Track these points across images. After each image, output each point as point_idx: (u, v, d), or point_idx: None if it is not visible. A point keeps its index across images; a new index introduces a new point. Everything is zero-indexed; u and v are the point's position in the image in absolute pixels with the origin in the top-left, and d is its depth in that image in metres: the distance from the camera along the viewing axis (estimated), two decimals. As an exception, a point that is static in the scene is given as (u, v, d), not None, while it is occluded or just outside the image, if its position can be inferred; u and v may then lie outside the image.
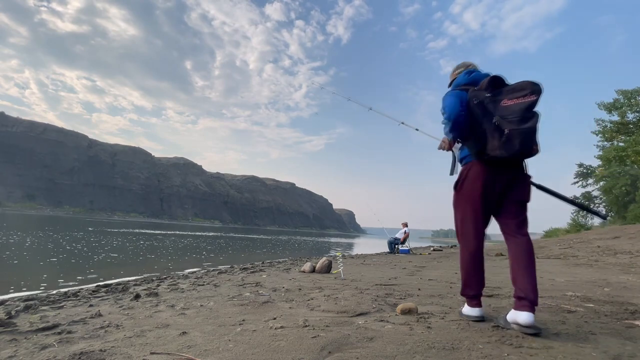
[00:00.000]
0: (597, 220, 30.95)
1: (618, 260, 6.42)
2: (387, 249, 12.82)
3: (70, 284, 4.78)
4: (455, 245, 20.04)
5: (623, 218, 24.31)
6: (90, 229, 22.59)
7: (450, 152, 2.26)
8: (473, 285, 2.05)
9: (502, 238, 2.10)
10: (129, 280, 4.76)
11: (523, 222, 1.99)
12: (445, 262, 7.74)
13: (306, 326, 1.95)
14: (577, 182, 31.19)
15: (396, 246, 12.04)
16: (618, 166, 21.61)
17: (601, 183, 28.46)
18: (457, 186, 2.14)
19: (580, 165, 30.87)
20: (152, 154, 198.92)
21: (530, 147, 1.80)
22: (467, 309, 2.10)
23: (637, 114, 17.95)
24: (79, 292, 3.51)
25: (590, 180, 30.27)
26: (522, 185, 1.99)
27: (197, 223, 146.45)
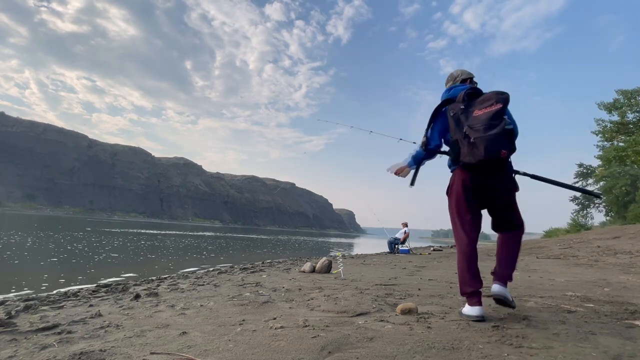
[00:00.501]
0: (597, 220, 30.98)
1: (618, 260, 6.42)
2: (387, 249, 12.82)
3: (71, 284, 4.78)
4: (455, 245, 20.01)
5: (623, 218, 24.32)
6: (89, 229, 22.59)
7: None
8: (469, 282, 2.12)
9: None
10: (129, 280, 4.77)
11: (509, 220, 2.18)
12: (445, 262, 7.74)
13: (306, 326, 1.95)
14: (577, 182, 31.21)
15: (396, 246, 12.04)
16: (618, 166, 21.61)
17: (601, 183, 28.47)
18: (448, 191, 2.33)
19: (580, 165, 30.90)
20: (152, 154, 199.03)
21: (494, 152, 1.93)
22: (467, 309, 2.12)
23: (637, 114, 17.95)
24: (79, 292, 3.51)
25: (590, 180, 30.29)
26: (505, 188, 2.15)
27: (197, 223, 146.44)
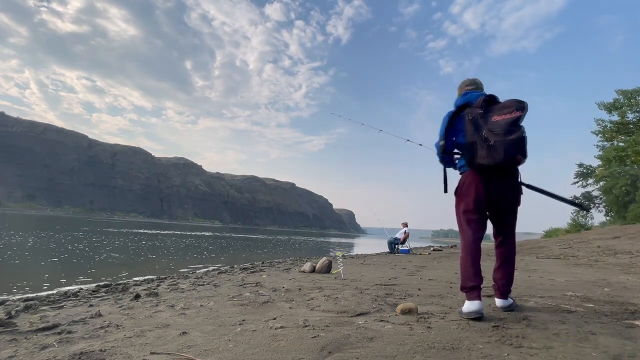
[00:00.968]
0: (597, 220, 31.00)
1: (618, 260, 6.42)
2: (387, 249, 12.82)
3: (72, 284, 4.78)
4: (455, 246, 20.05)
5: (623, 218, 24.32)
6: (86, 228, 22.59)
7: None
8: (472, 278, 2.17)
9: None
10: (129, 280, 4.77)
11: (510, 227, 2.36)
12: (445, 262, 7.74)
13: (306, 326, 1.95)
14: (577, 182, 31.21)
15: (396, 246, 12.04)
16: (618, 166, 21.60)
17: (601, 183, 28.47)
18: (456, 192, 2.42)
19: (580, 165, 30.87)
20: (152, 154, 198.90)
21: (513, 156, 2.02)
22: (466, 305, 2.15)
23: (637, 114, 17.94)
24: (79, 292, 3.51)
25: (590, 180, 30.27)
26: (515, 194, 2.27)
27: (197, 223, 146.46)
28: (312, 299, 2.85)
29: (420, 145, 3.15)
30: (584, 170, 30.58)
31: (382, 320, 2.09)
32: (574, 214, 26.85)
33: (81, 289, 3.82)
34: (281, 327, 1.95)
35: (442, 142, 2.41)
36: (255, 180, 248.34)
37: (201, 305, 2.62)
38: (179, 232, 28.15)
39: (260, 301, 2.76)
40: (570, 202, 2.50)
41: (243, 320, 2.14)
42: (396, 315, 2.25)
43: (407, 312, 2.26)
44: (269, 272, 5.42)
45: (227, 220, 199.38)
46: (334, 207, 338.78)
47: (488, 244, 5.64)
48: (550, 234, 26.09)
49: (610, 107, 18.62)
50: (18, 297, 3.37)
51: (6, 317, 2.16)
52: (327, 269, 5.25)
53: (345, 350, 1.55)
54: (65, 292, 3.44)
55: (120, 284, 4.07)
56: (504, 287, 2.31)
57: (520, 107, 2.08)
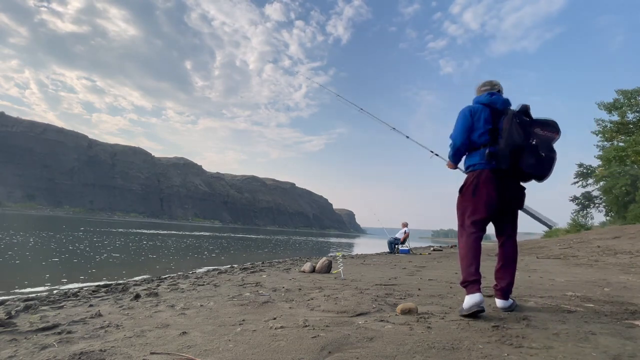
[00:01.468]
0: (597, 220, 31.00)
1: (618, 260, 6.42)
2: (387, 249, 12.82)
3: (73, 283, 4.79)
4: (455, 245, 20.04)
5: (623, 218, 24.32)
6: (89, 229, 22.59)
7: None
8: (473, 272, 2.20)
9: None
10: (129, 280, 4.77)
11: (514, 228, 2.42)
12: (445, 262, 7.74)
13: (306, 326, 1.95)
14: (577, 182, 31.20)
15: (396, 246, 12.04)
16: (618, 166, 21.60)
17: (601, 183, 28.46)
18: (462, 190, 2.44)
19: (580, 165, 30.86)
20: (152, 154, 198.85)
21: (549, 172, 2.23)
22: (467, 299, 2.15)
23: (637, 114, 17.94)
24: (79, 292, 3.51)
25: (590, 180, 30.26)
26: (521, 196, 2.38)
27: (197, 223, 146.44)
28: (312, 299, 2.85)
29: (437, 155, 3.12)
30: (584, 170, 30.57)
31: (382, 320, 2.09)
32: (574, 214, 26.86)
33: (81, 289, 3.82)
34: (281, 327, 1.95)
35: (463, 141, 2.43)
36: (255, 180, 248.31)
37: (201, 305, 2.62)
38: (179, 232, 28.15)
39: (260, 301, 2.76)
40: (539, 220, 2.65)
41: (243, 320, 2.14)
42: (396, 315, 2.24)
43: (407, 312, 2.26)
44: (269, 272, 5.42)
45: (227, 220, 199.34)
46: (334, 207, 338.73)
47: (488, 244, 5.63)
48: (550, 234, 26.08)
49: (610, 107, 18.62)
50: (18, 297, 3.37)
51: (6, 317, 2.16)
52: (327, 269, 5.25)
53: (345, 350, 1.55)
54: (65, 292, 3.44)
55: (120, 284, 4.07)
56: (506, 288, 2.33)
57: (559, 129, 2.26)
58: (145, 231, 25.64)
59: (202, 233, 30.84)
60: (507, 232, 2.41)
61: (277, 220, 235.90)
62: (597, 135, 19.73)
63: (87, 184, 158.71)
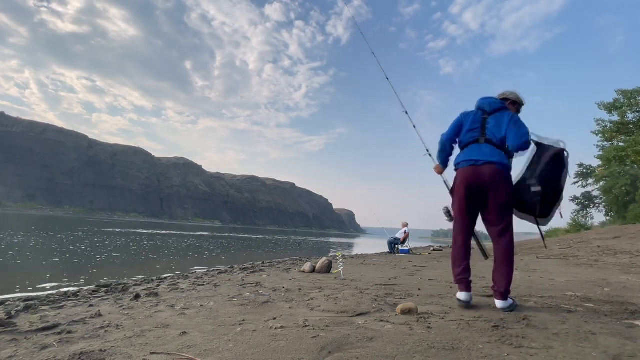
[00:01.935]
0: (597, 220, 31.00)
1: (618, 260, 6.42)
2: (387, 249, 12.82)
3: (74, 283, 4.79)
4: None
5: (623, 218, 24.32)
6: (90, 229, 22.59)
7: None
8: (457, 272, 2.46)
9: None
10: (129, 280, 4.77)
11: (503, 230, 2.40)
12: (445, 262, 7.74)
13: (306, 326, 1.95)
14: (577, 182, 31.19)
15: (396, 246, 12.04)
16: (618, 166, 21.59)
17: (601, 183, 28.46)
18: (450, 191, 2.61)
19: (580, 165, 30.85)
20: (152, 154, 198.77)
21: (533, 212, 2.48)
22: (457, 294, 2.48)
23: (637, 114, 17.94)
24: (79, 292, 3.51)
25: (590, 180, 30.25)
26: (501, 189, 2.38)
27: (197, 223, 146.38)
28: (312, 299, 2.85)
29: (430, 155, 3.16)
30: (584, 170, 30.56)
31: (382, 320, 2.09)
32: (574, 214, 26.84)
33: (81, 289, 3.82)
34: (281, 327, 1.95)
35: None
36: (255, 180, 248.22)
37: (201, 305, 2.62)
38: (179, 232, 28.15)
39: (260, 301, 2.76)
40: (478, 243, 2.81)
41: (243, 320, 2.14)
42: (396, 315, 2.24)
43: (407, 312, 2.25)
44: (269, 272, 5.42)
45: (227, 220, 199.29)
46: (334, 207, 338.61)
47: (490, 244, 5.63)
48: (550, 234, 26.07)
49: (610, 107, 18.62)
50: (18, 297, 3.37)
51: (6, 317, 2.16)
52: (327, 269, 5.24)
53: (345, 350, 1.55)
54: (65, 292, 3.44)
55: (120, 284, 4.06)
56: (501, 289, 2.36)
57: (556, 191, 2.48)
58: (146, 231, 25.64)
59: (202, 233, 30.84)
60: (495, 233, 2.43)
61: (277, 220, 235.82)
62: (597, 135, 19.73)
63: (87, 184, 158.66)
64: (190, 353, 1.53)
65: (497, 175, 2.37)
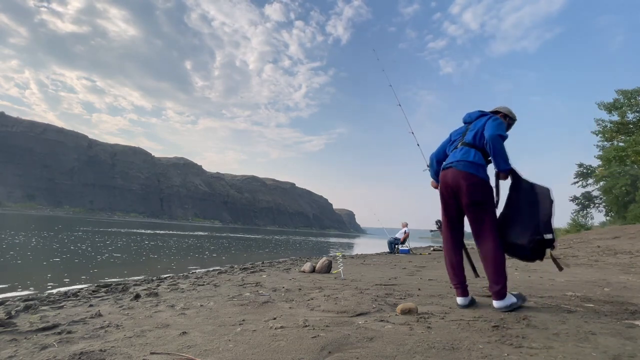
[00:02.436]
0: (597, 220, 31.00)
1: (618, 260, 6.42)
2: (387, 249, 12.82)
3: (76, 283, 4.78)
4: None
5: (623, 218, 24.32)
6: (90, 229, 22.59)
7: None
8: (451, 277, 2.54)
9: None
10: (129, 280, 4.77)
11: (478, 231, 2.38)
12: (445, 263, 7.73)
13: (306, 326, 1.95)
14: (577, 182, 31.20)
15: (396, 246, 12.04)
16: (618, 166, 21.60)
17: (601, 183, 28.46)
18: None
19: (580, 165, 30.86)
20: (152, 154, 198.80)
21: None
22: (456, 298, 2.52)
23: (637, 114, 17.94)
24: (79, 292, 3.51)
25: (590, 180, 30.26)
26: (464, 187, 2.36)
27: (197, 223, 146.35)
28: (312, 299, 2.85)
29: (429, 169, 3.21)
30: (584, 170, 30.57)
31: (382, 320, 2.09)
32: (574, 214, 26.85)
33: (81, 289, 3.82)
34: (281, 327, 1.95)
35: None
36: (255, 180, 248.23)
37: (201, 305, 2.62)
38: (180, 232, 28.15)
39: (260, 301, 2.76)
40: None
41: (243, 320, 2.14)
42: (396, 315, 2.24)
43: (407, 312, 2.25)
44: (269, 272, 5.42)
45: (227, 220, 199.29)
46: (334, 207, 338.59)
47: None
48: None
49: (610, 107, 18.62)
50: (18, 297, 3.37)
51: (6, 317, 2.16)
52: (327, 269, 5.24)
53: (345, 350, 1.55)
54: (65, 292, 3.44)
55: (120, 284, 4.06)
56: (492, 289, 2.35)
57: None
58: (146, 231, 25.64)
59: (202, 233, 30.84)
60: (473, 234, 2.43)
61: (277, 220, 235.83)
62: (597, 135, 19.74)
63: (87, 184, 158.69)
64: (190, 353, 1.53)
65: (459, 174, 2.37)
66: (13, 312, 2.35)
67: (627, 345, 1.60)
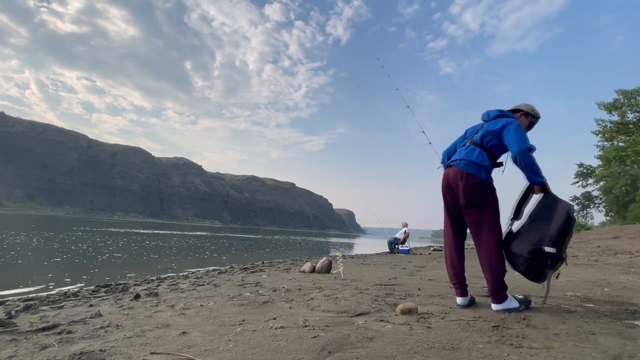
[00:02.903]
0: (597, 220, 31.00)
1: (618, 260, 6.42)
2: (387, 249, 12.82)
3: (77, 283, 4.79)
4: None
5: (623, 218, 24.34)
6: (90, 229, 22.59)
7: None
8: (451, 277, 2.51)
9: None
10: (129, 280, 4.77)
11: (476, 233, 2.34)
12: (445, 263, 7.73)
13: (306, 326, 1.95)
14: (577, 182, 31.20)
15: (396, 246, 12.04)
16: (618, 166, 21.61)
17: (601, 183, 28.47)
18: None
19: (580, 165, 30.86)
20: (152, 154, 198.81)
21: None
22: (456, 298, 2.51)
23: (637, 114, 17.94)
24: (79, 292, 3.51)
25: (590, 180, 30.27)
26: (460, 187, 2.32)
27: (197, 223, 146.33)
28: (312, 299, 2.85)
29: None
30: (584, 170, 30.58)
31: (382, 320, 2.09)
32: (574, 214, 26.82)
33: (81, 289, 3.82)
34: (281, 327, 1.95)
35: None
36: (255, 180, 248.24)
37: (201, 305, 2.62)
38: (180, 232, 28.15)
39: (260, 301, 2.76)
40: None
41: (243, 320, 2.14)
42: (396, 315, 2.24)
43: (407, 312, 2.25)
44: (269, 272, 5.42)
45: (227, 220, 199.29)
46: (334, 207, 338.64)
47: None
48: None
49: (610, 107, 18.62)
50: (18, 297, 3.37)
51: (6, 317, 2.16)
52: (327, 269, 5.24)
53: (345, 350, 1.55)
54: (65, 292, 3.44)
55: (120, 284, 4.06)
56: (490, 293, 2.33)
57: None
58: (146, 231, 25.63)
59: (202, 233, 30.83)
60: (473, 236, 2.38)
61: (277, 220, 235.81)
62: (597, 135, 19.74)
63: (87, 184, 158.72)
64: (190, 353, 1.53)
65: (459, 173, 2.32)
66: (13, 312, 2.35)
67: (627, 345, 1.60)
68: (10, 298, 3.25)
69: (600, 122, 19.29)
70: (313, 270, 5.27)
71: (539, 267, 2.20)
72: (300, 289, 3.43)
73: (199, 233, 30.11)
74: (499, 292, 2.28)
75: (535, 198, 2.33)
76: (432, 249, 16.32)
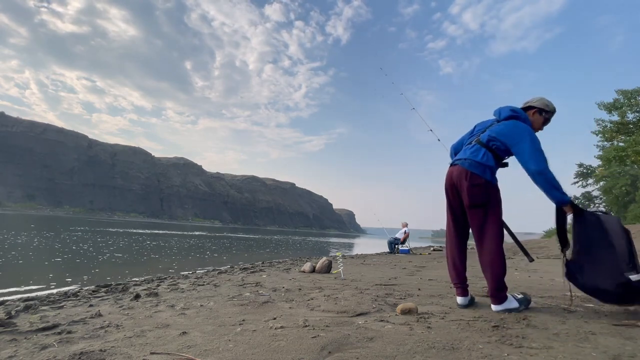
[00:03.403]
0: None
1: (618, 260, 6.41)
2: (387, 249, 12.82)
3: (77, 283, 4.79)
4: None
5: (623, 218, 24.31)
6: (90, 229, 22.59)
7: None
8: (452, 276, 2.50)
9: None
10: (129, 280, 4.77)
11: (478, 233, 2.33)
12: (445, 262, 7.72)
13: (306, 326, 1.95)
14: (577, 182, 31.22)
15: (396, 246, 12.04)
16: (618, 166, 21.61)
17: (601, 183, 28.49)
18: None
19: (580, 165, 30.87)
20: (152, 154, 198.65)
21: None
22: (456, 298, 2.51)
23: (637, 114, 17.94)
24: (79, 292, 3.51)
25: (590, 180, 30.29)
26: (464, 188, 2.30)
27: (197, 223, 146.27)
28: (312, 299, 2.85)
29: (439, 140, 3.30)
30: (584, 170, 30.59)
31: (382, 320, 2.09)
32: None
33: (81, 289, 3.82)
34: (281, 327, 1.95)
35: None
36: (255, 180, 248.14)
37: (201, 305, 2.62)
38: (180, 232, 28.16)
39: (260, 301, 2.76)
40: (521, 249, 2.64)
41: (243, 320, 2.14)
42: (396, 315, 2.24)
43: (407, 312, 2.25)
44: (269, 272, 5.42)
45: (227, 220, 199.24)
46: (334, 207, 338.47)
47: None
48: (551, 234, 26.09)
49: (610, 107, 18.62)
50: (18, 297, 3.37)
51: (6, 317, 2.16)
52: (327, 269, 5.24)
53: (345, 350, 1.55)
54: (65, 292, 3.44)
55: (120, 284, 4.06)
56: (490, 293, 2.33)
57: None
58: (146, 231, 25.64)
59: (202, 233, 30.83)
60: (474, 235, 2.36)
61: (277, 220, 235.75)
62: (597, 135, 19.74)
63: (87, 184, 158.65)
64: (190, 353, 1.53)
65: (464, 173, 2.30)
66: (13, 312, 2.35)
67: (627, 345, 1.60)
68: (10, 298, 3.25)
69: (600, 122, 19.29)
70: (313, 270, 5.27)
71: (629, 295, 2.07)
72: (300, 289, 3.43)
73: (199, 233, 30.12)
74: (499, 292, 2.27)
75: (575, 220, 2.24)
76: (432, 249, 16.32)
